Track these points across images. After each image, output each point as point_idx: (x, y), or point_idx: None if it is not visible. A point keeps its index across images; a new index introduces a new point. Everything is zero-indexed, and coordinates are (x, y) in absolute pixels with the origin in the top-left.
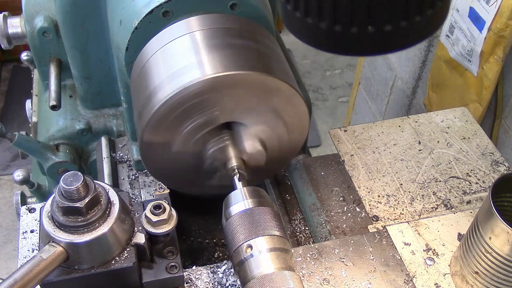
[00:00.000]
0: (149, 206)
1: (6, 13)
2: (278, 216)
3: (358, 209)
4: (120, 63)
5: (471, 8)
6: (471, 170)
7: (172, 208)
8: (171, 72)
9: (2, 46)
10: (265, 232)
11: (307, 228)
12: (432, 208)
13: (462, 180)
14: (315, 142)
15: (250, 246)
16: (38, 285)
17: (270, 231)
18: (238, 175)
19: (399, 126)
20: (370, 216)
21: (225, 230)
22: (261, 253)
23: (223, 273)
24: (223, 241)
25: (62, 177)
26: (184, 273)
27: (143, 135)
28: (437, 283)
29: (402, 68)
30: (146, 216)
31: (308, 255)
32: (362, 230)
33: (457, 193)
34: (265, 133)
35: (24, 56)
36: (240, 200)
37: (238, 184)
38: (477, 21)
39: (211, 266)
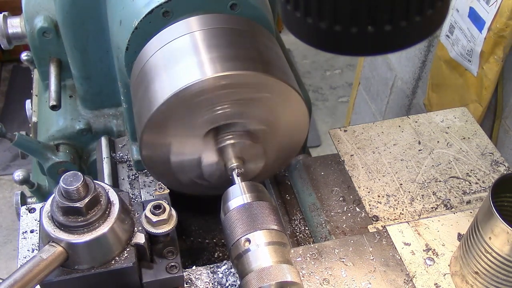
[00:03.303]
0: (149, 206)
1: (6, 13)
2: (276, 211)
3: (358, 209)
4: (120, 63)
5: (471, 8)
6: (471, 170)
7: (172, 208)
8: (171, 72)
9: (2, 46)
10: (263, 226)
11: (307, 228)
12: (432, 208)
13: (462, 180)
14: (315, 142)
15: (248, 240)
16: (38, 285)
17: (268, 225)
18: (237, 171)
19: (399, 126)
20: (370, 216)
21: (224, 224)
22: (259, 246)
23: (223, 273)
24: (223, 241)
25: (62, 177)
26: (184, 273)
27: (143, 135)
28: (437, 283)
29: (402, 68)
30: (146, 216)
31: (308, 255)
32: (362, 230)
33: (457, 193)
34: (264, 133)
35: (24, 56)
36: (238, 195)
37: (237, 179)
38: (477, 21)
39: (211, 266)
